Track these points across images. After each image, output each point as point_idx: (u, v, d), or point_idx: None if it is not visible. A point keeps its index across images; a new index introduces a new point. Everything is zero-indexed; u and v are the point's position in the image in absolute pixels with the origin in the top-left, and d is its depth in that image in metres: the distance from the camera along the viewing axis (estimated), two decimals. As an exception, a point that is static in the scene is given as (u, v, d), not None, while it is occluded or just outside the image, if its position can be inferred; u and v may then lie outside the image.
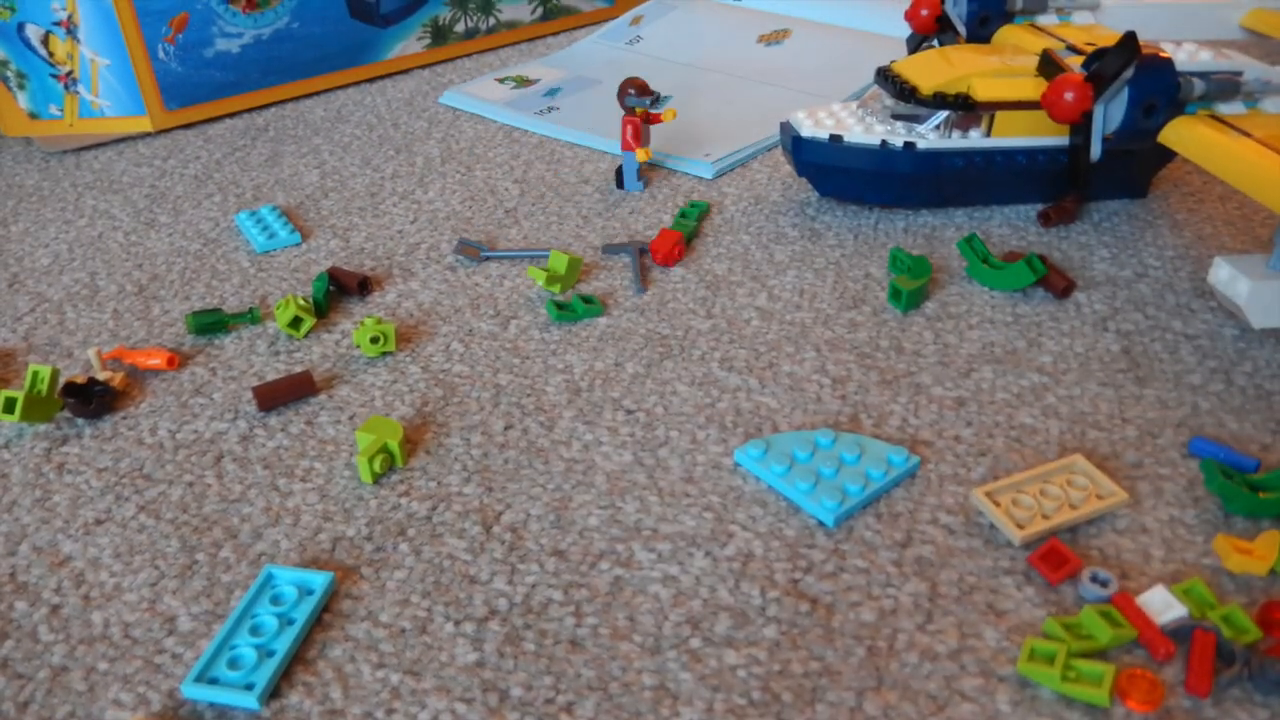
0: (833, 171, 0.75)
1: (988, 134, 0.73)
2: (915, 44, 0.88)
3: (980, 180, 0.75)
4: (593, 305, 0.65)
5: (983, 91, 0.70)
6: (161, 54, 0.95)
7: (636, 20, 1.19)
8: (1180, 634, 0.43)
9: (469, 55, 1.15)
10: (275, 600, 0.46)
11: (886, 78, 0.74)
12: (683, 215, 0.75)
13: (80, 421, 0.58)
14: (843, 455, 0.52)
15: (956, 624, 0.44)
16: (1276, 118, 0.64)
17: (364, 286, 0.69)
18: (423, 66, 1.12)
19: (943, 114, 0.72)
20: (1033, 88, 0.70)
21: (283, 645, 0.43)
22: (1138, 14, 0.84)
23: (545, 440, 0.55)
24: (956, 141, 0.72)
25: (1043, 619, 0.44)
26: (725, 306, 0.66)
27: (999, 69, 0.71)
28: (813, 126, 0.74)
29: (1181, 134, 0.64)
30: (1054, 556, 0.46)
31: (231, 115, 1.01)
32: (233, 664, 0.43)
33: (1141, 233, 0.73)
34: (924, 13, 0.85)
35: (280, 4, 1.01)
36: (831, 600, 0.45)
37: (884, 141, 0.72)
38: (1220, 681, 0.41)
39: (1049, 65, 0.68)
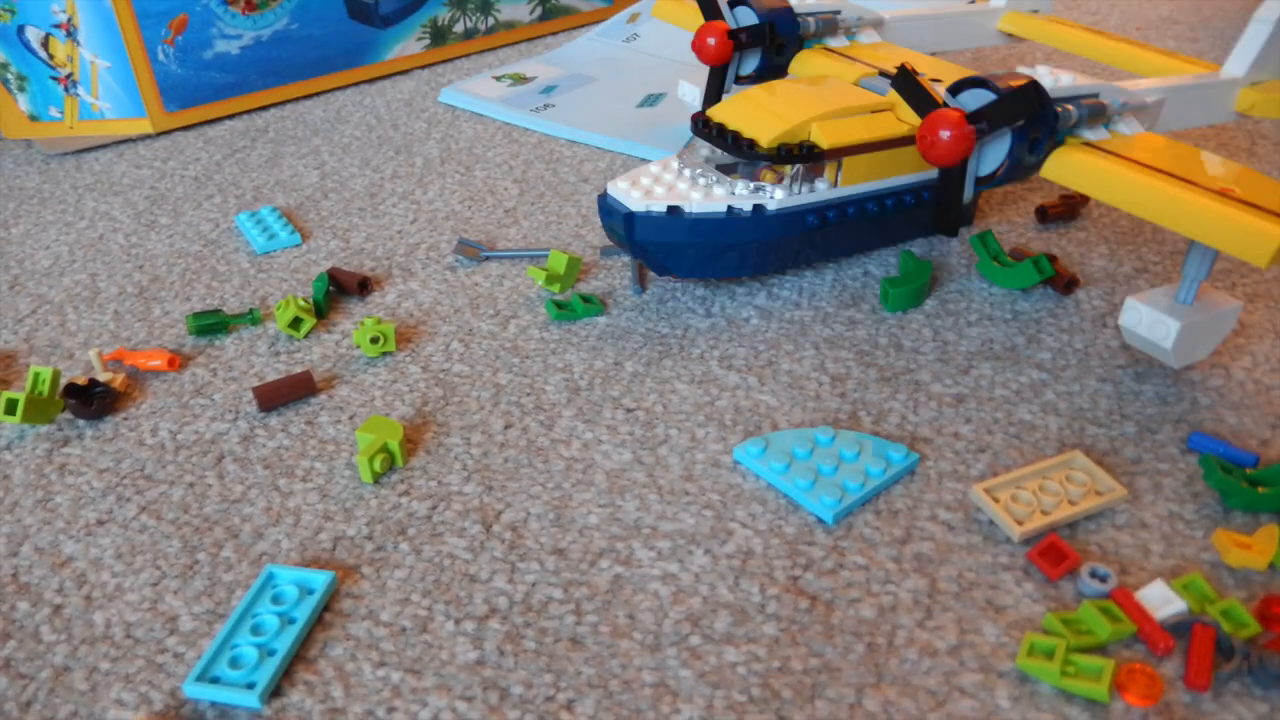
0: (674, 248, 0.63)
1: (835, 185, 0.64)
2: (719, 78, 0.78)
3: (836, 234, 0.66)
4: (592, 304, 0.65)
5: (827, 138, 0.62)
6: (161, 56, 0.95)
7: (634, 18, 1.19)
8: (1179, 629, 0.43)
9: (468, 55, 1.15)
10: (276, 599, 0.46)
11: (713, 131, 0.64)
12: None
13: (81, 423, 0.58)
14: (842, 452, 0.52)
15: (956, 620, 0.44)
16: (1140, 139, 0.59)
17: (364, 287, 0.69)
18: (422, 67, 1.12)
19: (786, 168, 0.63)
20: (877, 125, 0.64)
21: (284, 644, 0.43)
22: (912, 27, 0.82)
23: (545, 439, 0.56)
24: (807, 197, 0.64)
25: (1042, 614, 0.44)
26: (724, 305, 0.66)
27: (834, 109, 0.63)
28: (643, 198, 0.62)
29: (1064, 166, 0.58)
30: (1053, 552, 0.46)
31: (231, 117, 1.01)
32: (234, 663, 0.43)
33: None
34: (712, 41, 0.75)
35: (279, 5, 1.01)
36: (831, 597, 0.45)
37: (730, 208, 0.62)
38: (1219, 676, 0.41)
39: (918, 98, 0.59)
